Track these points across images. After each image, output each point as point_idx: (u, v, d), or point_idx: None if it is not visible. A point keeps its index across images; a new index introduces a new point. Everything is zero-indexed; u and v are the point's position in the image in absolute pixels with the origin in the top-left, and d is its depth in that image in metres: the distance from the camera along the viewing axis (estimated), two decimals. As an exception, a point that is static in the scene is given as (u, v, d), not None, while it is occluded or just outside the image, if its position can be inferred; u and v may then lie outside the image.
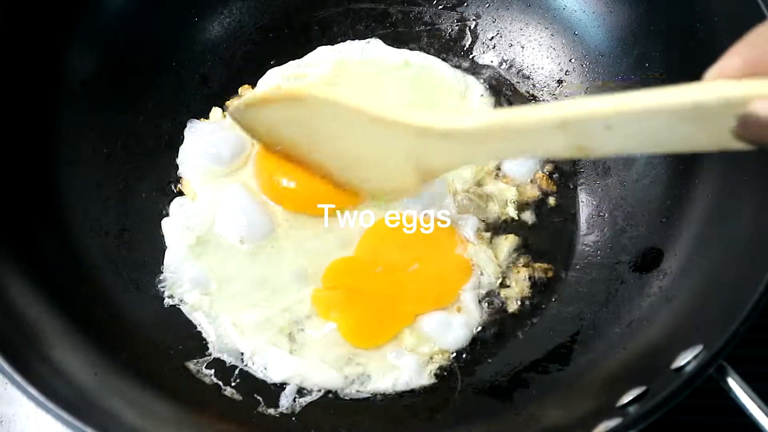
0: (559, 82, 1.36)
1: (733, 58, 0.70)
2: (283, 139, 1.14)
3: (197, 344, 1.14)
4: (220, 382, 1.09)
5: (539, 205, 1.26)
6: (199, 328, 1.16)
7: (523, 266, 1.20)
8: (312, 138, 1.10)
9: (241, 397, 1.08)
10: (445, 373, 1.11)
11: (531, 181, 1.28)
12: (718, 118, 0.69)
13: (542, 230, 1.24)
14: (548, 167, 1.29)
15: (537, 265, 1.20)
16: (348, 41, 1.41)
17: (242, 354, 1.12)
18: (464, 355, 1.13)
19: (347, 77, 1.37)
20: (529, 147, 0.87)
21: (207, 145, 1.27)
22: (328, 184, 1.16)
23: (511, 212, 1.24)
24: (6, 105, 1.13)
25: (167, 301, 1.17)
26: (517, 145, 0.86)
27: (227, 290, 1.17)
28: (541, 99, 1.36)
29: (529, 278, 1.19)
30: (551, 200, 1.26)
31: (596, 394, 0.98)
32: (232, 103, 1.22)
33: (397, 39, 1.42)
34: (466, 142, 0.90)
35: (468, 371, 1.11)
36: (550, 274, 1.20)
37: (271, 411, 1.07)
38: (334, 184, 1.15)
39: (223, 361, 1.12)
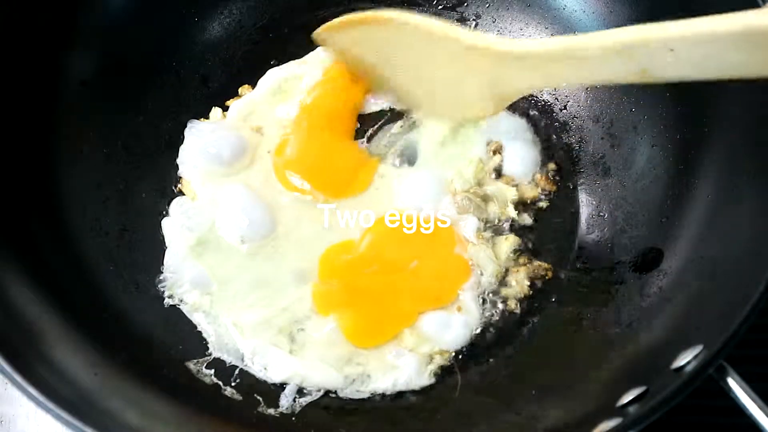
0: (560, 82, 1.36)
1: None
2: (367, 62, 1.23)
3: (197, 344, 1.14)
4: (220, 382, 1.09)
5: (539, 205, 1.26)
6: (199, 328, 1.16)
7: (523, 266, 1.20)
8: (394, 62, 1.18)
9: (241, 397, 1.08)
10: (445, 373, 1.11)
11: (531, 181, 1.28)
12: None
13: (542, 230, 1.24)
14: (550, 164, 1.29)
15: (537, 263, 1.20)
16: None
17: (242, 354, 1.12)
18: (464, 355, 1.13)
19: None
20: (595, 71, 0.92)
21: (207, 145, 1.28)
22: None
23: (511, 212, 1.24)
24: (6, 105, 1.13)
25: (167, 301, 1.17)
26: (584, 70, 0.93)
27: (227, 290, 1.17)
28: (541, 99, 1.36)
29: (529, 278, 1.19)
30: (551, 200, 1.26)
31: (596, 394, 0.98)
32: (321, 28, 1.28)
33: (397, 39, 1.42)
34: (536, 66, 0.98)
35: (468, 371, 1.11)
36: (549, 274, 1.20)
37: (271, 411, 1.07)
38: (410, 106, 1.25)
39: (223, 361, 1.12)
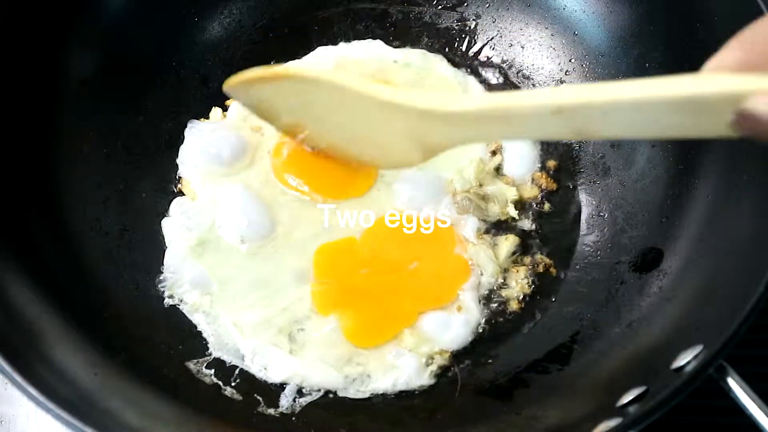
0: (560, 82, 1.36)
1: (732, 51, 0.70)
2: (283, 115, 1.16)
3: (197, 344, 1.14)
4: (220, 382, 1.09)
5: (539, 205, 1.26)
6: (199, 328, 1.15)
7: (523, 266, 1.20)
8: (312, 114, 1.12)
9: (241, 397, 1.08)
10: (446, 374, 1.11)
11: (531, 182, 1.28)
12: (716, 111, 0.69)
13: (542, 230, 1.24)
14: (550, 163, 1.29)
15: (538, 258, 1.20)
16: (348, 42, 1.41)
17: (242, 354, 1.12)
18: (465, 355, 1.13)
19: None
20: (528, 130, 0.89)
21: (207, 145, 1.28)
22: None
23: (512, 212, 1.24)
24: (6, 105, 1.13)
25: (167, 301, 1.17)
26: (516, 129, 0.88)
27: (227, 290, 1.17)
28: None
29: (529, 277, 1.19)
30: (551, 200, 1.26)
31: (596, 394, 0.98)
32: (230, 81, 1.17)
33: (397, 39, 1.42)
34: (465, 124, 0.92)
35: (468, 371, 1.11)
36: (552, 271, 1.20)
37: (271, 411, 1.07)
38: (338, 156, 1.19)
39: (223, 361, 1.12)
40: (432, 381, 1.11)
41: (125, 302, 1.14)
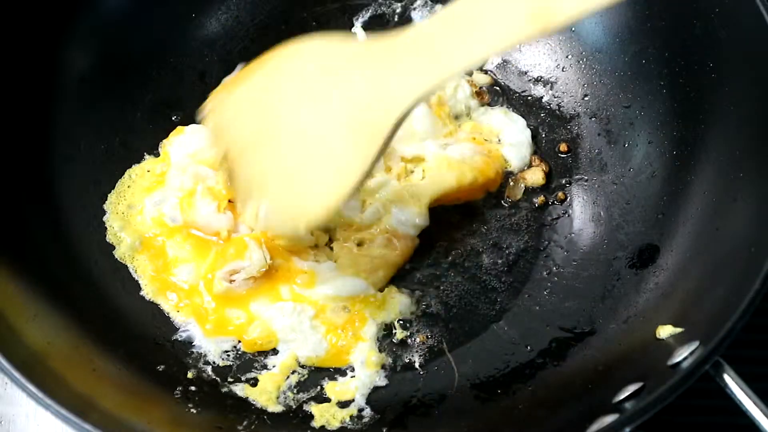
0: (556, 78, 1.36)
1: None
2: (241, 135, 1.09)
3: (196, 341, 1.14)
4: (218, 378, 1.09)
5: (534, 201, 1.26)
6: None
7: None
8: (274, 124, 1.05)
9: (239, 393, 1.08)
10: (443, 369, 1.11)
11: (530, 165, 1.28)
12: None
13: (538, 227, 1.24)
14: (545, 162, 1.29)
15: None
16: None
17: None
18: (461, 350, 1.13)
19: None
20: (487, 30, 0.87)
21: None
22: None
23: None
24: (3, 101, 1.13)
25: (167, 297, 1.17)
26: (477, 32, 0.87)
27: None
28: (536, 95, 1.36)
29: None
30: (546, 196, 1.26)
31: (592, 390, 0.98)
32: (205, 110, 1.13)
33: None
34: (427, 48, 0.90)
35: (465, 367, 1.11)
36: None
37: (270, 407, 1.07)
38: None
39: (222, 358, 1.12)
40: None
41: (124, 298, 1.14)
